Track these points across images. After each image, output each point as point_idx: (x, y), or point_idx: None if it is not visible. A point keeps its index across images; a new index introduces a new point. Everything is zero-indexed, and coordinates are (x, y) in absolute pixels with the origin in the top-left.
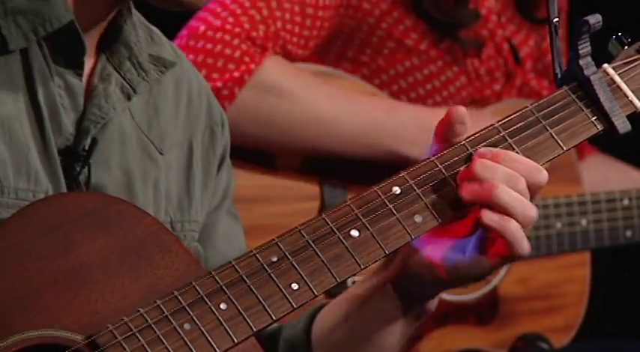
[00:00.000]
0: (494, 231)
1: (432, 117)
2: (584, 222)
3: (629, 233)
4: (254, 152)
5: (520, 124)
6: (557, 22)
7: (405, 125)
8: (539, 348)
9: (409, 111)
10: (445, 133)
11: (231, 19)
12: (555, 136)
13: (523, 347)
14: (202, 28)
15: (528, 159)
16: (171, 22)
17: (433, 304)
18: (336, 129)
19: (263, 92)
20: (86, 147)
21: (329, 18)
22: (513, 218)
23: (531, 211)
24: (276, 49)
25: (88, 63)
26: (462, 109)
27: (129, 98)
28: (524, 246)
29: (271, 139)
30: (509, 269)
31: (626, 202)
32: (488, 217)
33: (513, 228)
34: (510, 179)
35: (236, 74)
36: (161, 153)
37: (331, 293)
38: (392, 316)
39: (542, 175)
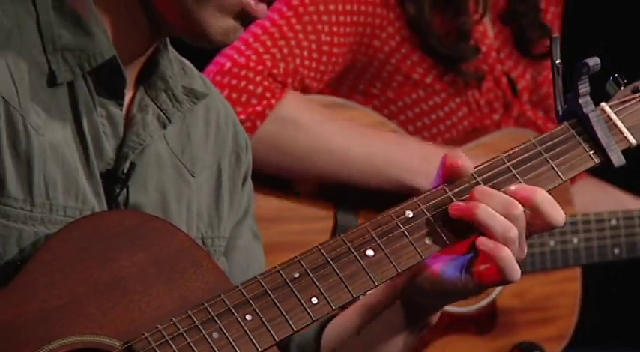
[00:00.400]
0: (485, 255)
1: (435, 151)
2: (575, 240)
3: (616, 250)
4: (273, 178)
5: (524, 156)
6: (559, 63)
7: (411, 157)
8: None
9: (415, 144)
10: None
11: (254, 57)
12: (556, 168)
13: None
14: (228, 64)
15: (539, 189)
16: (200, 56)
17: (436, 316)
18: (347, 159)
19: (282, 125)
20: (125, 171)
21: (343, 54)
22: (495, 238)
23: (510, 233)
24: (294, 84)
25: (128, 94)
26: (459, 161)
27: (164, 126)
28: (514, 273)
29: (289, 168)
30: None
31: (613, 222)
32: (483, 242)
33: (504, 256)
34: (507, 205)
35: (258, 108)
36: (193, 176)
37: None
38: (397, 327)
39: (556, 212)
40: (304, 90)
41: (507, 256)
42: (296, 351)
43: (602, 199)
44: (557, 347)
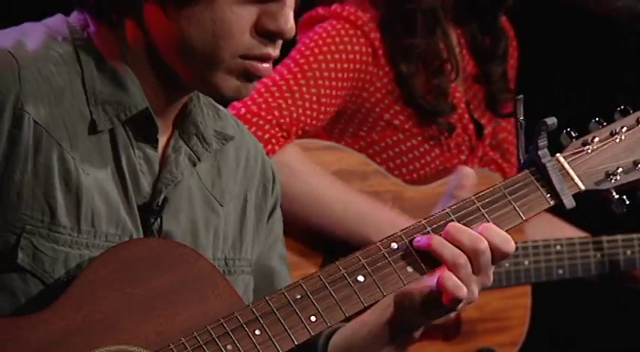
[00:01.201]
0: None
1: (400, 221)
2: (526, 262)
3: (560, 271)
4: None
5: (491, 198)
6: (522, 121)
7: (380, 220)
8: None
9: (387, 213)
10: None
11: (264, 106)
12: (517, 209)
13: None
14: (242, 110)
15: (498, 229)
16: None
17: (418, 332)
18: (330, 211)
19: (286, 168)
20: (159, 204)
21: (338, 104)
22: (446, 263)
23: (459, 259)
24: (297, 131)
25: (164, 137)
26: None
27: (194, 165)
28: (457, 290)
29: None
30: None
31: (558, 248)
32: (446, 275)
33: (447, 277)
34: (474, 239)
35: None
36: (222, 205)
37: None
38: (387, 340)
39: (510, 245)
40: (304, 132)
41: (449, 278)
42: None
43: (548, 229)
44: (512, 351)
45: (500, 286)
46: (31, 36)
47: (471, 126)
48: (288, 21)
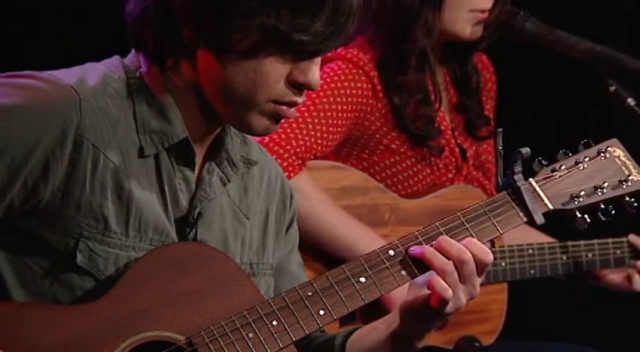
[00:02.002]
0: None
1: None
2: (503, 263)
3: (532, 271)
4: None
5: (474, 214)
6: (501, 150)
7: (373, 246)
8: (474, 345)
9: (377, 238)
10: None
11: (284, 136)
12: (496, 224)
13: (463, 344)
14: (266, 139)
15: (480, 244)
16: None
17: (419, 343)
18: (331, 233)
19: (299, 193)
20: (194, 217)
21: (343, 131)
22: (435, 269)
23: (447, 267)
24: (310, 157)
25: (200, 160)
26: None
27: (224, 185)
28: (444, 292)
29: None
30: None
31: (530, 251)
32: (435, 279)
33: (436, 281)
34: (460, 251)
35: None
36: (247, 218)
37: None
38: (393, 347)
39: (489, 257)
40: (316, 156)
41: (437, 281)
42: None
43: (521, 235)
44: (491, 339)
45: (481, 284)
46: (92, 74)
47: (457, 150)
48: (315, 76)
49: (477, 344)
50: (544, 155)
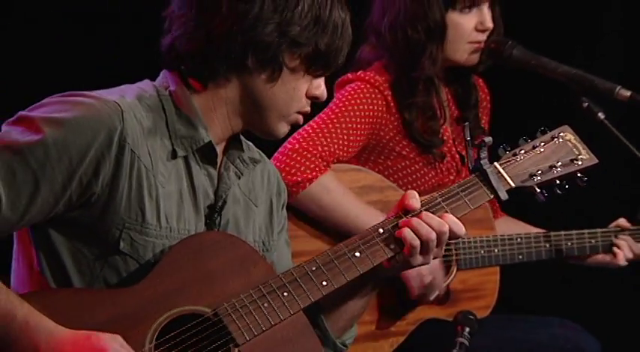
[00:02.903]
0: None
1: None
2: (496, 250)
3: (520, 257)
4: (311, 218)
5: (449, 195)
6: (469, 140)
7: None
8: (469, 318)
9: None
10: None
11: (311, 143)
12: (467, 201)
13: (460, 317)
14: (297, 146)
15: (454, 217)
16: None
17: (384, 281)
18: (348, 215)
19: (319, 188)
20: (220, 205)
21: (362, 140)
22: (410, 226)
23: (414, 241)
24: (334, 160)
25: (220, 159)
26: (409, 201)
27: (239, 178)
28: (414, 244)
29: (317, 212)
30: (456, 274)
31: (519, 240)
32: (406, 231)
33: (411, 235)
34: (439, 223)
35: (310, 176)
36: (256, 206)
37: None
38: (362, 285)
39: (462, 229)
40: (339, 161)
41: (408, 232)
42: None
43: (512, 227)
44: (485, 312)
45: (478, 267)
46: (128, 92)
47: (457, 156)
48: (324, 89)
49: (472, 317)
50: (507, 142)
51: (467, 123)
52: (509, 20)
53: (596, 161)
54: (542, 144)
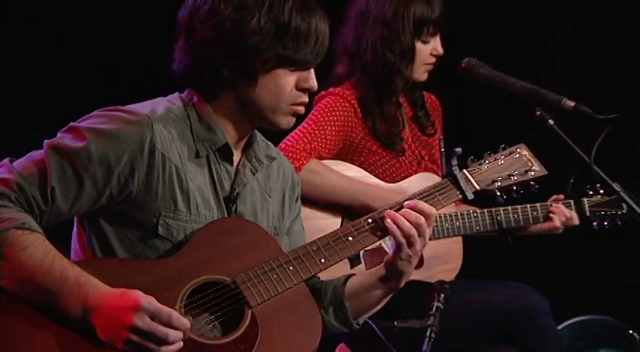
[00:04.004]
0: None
1: (390, 194)
2: (458, 223)
3: (478, 227)
4: (308, 199)
5: (426, 193)
6: (443, 151)
7: (373, 193)
8: (444, 287)
9: (379, 189)
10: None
11: (299, 142)
12: (441, 200)
13: (438, 285)
14: (289, 144)
15: (432, 208)
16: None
17: (400, 284)
18: (341, 192)
19: (309, 173)
20: (235, 196)
21: (337, 141)
22: (394, 234)
23: (397, 234)
24: (316, 155)
25: (237, 158)
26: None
27: (253, 174)
28: (397, 236)
29: (313, 194)
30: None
31: (475, 215)
32: (389, 224)
33: (393, 227)
34: (417, 217)
35: (298, 165)
36: (270, 197)
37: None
38: (380, 285)
39: (433, 212)
40: (320, 157)
41: (391, 224)
42: (331, 290)
43: (469, 208)
44: (454, 274)
45: (445, 236)
46: (159, 105)
47: (417, 151)
48: (314, 81)
49: (446, 286)
50: (476, 154)
51: (441, 137)
52: (479, 44)
53: (546, 172)
54: (503, 157)
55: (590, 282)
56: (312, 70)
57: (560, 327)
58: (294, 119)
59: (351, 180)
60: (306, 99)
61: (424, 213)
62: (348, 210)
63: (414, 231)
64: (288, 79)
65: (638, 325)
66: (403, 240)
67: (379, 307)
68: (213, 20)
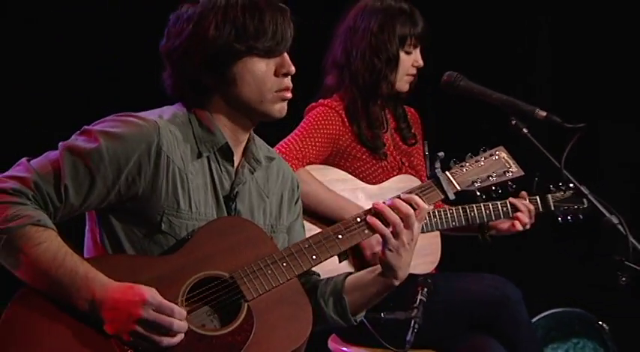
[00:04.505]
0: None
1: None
2: (435, 219)
3: (454, 223)
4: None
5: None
6: (427, 155)
7: (352, 210)
8: (427, 281)
9: (353, 205)
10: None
11: (291, 149)
12: (425, 200)
13: (421, 280)
14: (282, 149)
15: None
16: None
17: (396, 282)
18: (325, 205)
19: (300, 181)
20: (234, 195)
21: (326, 148)
22: (382, 232)
23: (385, 231)
24: (307, 161)
25: (237, 158)
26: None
27: (252, 173)
28: (382, 230)
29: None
30: None
31: (451, 211)
32: (373, 221)
33: (377, 223)
34: (408, 209)
35: None
36: (268, 197)
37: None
38: (377, 282)
39: (424, 209)
40: (310, 163)
41: (374, 221)
42: (331, 287)
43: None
44: (433, 266)
45: (425, 231)
46: (166, 112)
47: (398, 158)
48: (290, 65)
49: (429, 281)
50: (457, 157)
51: (426, 141)
52: (460, 53)
53: (523, 173)
54: (483, 159)
55: (561, 277)
56: (286, 55)
57: (535, 319)
58: (285, 106)
59: (334, 195)
60: (289, 83)
61: (419, 205)
62: (326, 220)
63: (398, 221)
64: (262, 68)
65: (607, 316)
66: (386, 231)
67: (376, 302)
68: (181, 39)
